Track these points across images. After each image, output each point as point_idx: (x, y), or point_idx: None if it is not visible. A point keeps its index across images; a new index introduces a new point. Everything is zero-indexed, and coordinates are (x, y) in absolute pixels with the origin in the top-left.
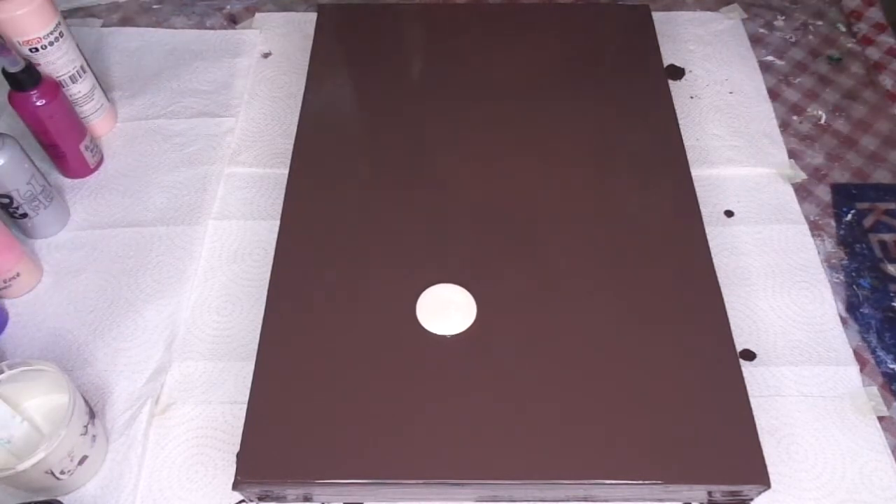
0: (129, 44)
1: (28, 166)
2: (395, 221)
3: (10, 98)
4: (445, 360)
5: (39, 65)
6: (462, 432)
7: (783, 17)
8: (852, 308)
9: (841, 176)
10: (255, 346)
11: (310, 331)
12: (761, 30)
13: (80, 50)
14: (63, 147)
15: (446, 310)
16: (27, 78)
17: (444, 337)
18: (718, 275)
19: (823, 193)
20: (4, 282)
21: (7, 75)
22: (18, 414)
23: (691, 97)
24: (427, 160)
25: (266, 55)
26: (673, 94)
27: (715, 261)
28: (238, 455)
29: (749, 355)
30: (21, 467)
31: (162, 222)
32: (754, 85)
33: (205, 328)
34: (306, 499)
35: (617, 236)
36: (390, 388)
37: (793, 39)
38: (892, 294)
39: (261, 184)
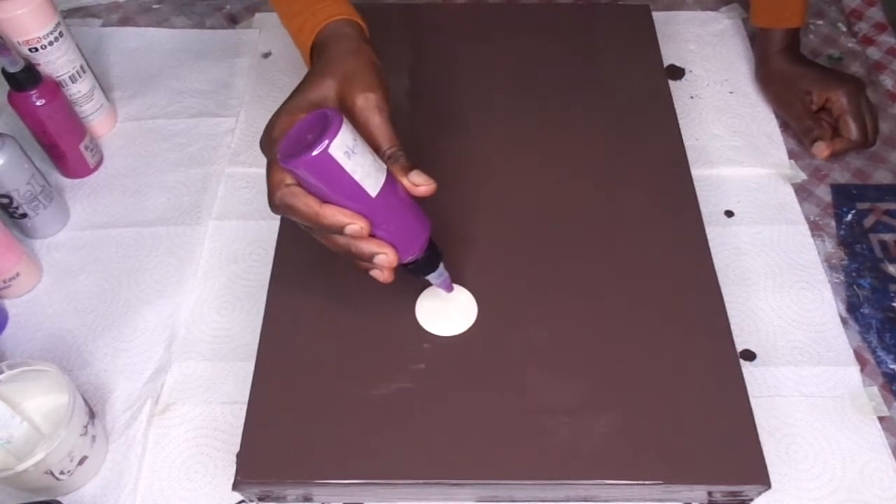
0: (129, 44)
1: (28, 166)
2: None
3: (10, 98)
4: (445, 361)
5: (39, 65)
6: (462, 432)
7: None
8: (852, 308)
9: (841, 176)
10: (255, 346)
11: (310, 331)
12: None
13: (79, 50)
14: (63, 147)
15: (446, 310)
16: (27, 78)
17: (444, 338)
18: (718, 275)
19: (823, 193)
20: (4, 282)
21: (7, 75)
22: (18, 414)
23: (691, 97)
24: (426, 159)
25: (266, 55)
26: (673, 94)
27: (715, 261)
28: (238, 455)
29: (749, 355)
30: (21, 467)
31: (162, 222)
32: (754, 85)
33: (205, 328)
34: (306, 499)
35: (617, 236)
36: (390, 388)
37: None
38: (892, 294)
39: (261, 184)
